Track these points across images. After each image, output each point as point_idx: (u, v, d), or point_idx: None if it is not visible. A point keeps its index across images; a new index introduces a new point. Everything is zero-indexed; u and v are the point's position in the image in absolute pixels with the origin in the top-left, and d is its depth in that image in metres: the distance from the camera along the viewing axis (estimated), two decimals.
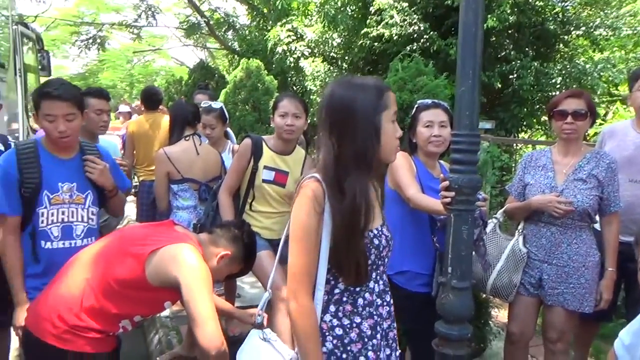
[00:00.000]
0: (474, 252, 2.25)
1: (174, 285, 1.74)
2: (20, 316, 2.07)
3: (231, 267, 1.99)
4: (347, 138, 1.43)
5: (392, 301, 1.67)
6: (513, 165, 5.29)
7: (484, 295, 3.01)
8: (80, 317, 1.76)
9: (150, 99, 4.79)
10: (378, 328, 1.54)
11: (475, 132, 1.79)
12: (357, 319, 1.50)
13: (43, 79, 6.91)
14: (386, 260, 1.61)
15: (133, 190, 4.84)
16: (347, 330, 1.48)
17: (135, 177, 4.87)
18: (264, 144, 2.75)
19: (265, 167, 2.70)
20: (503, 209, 2.60)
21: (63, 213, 2.17)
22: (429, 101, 2.50)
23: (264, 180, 2.69)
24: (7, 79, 4.96)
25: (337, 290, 1.49)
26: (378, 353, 1.53)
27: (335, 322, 1.48)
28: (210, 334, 1.66)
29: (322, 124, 1.49)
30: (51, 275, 2.12)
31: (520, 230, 2.50)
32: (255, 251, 2.10)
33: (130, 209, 5.67)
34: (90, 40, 14.38)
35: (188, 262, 1.76)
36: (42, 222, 2.15)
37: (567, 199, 2.37)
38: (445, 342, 1.82)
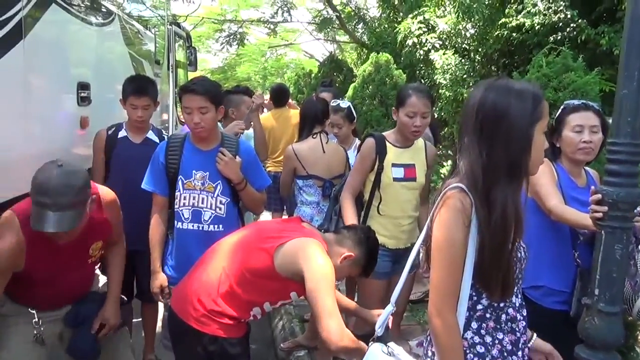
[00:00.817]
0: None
1: (300, 276, 1.82)
2: (155, 283, 2.44)
3: (351, 269, 2.02)
4: (500, 147, 1.34)
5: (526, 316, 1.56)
6: None
7: (630, 318, 2.68)
8: (216, 302, 1.91)
9: (279, 97, 5.06)
10: (519, 344, 1.47)
11: (638, 140, 1.58)
12: (500, 335, 1.44)
13: (190, 74, 7.59)
14: (524, 272, 1.51)
15: None
16: (489, 347, 1.42)
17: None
18: (386, 141, 2.65)
19: (394, 165, 2.60)
20: None
21: (194, 198, 2.40)
22: (579, 102, 2.26)
23: (395, 179, 2.59)
24: (162, 74, 5.53)
25: (480, 307, 1.43)
26: None
27: (477, 339, 1.42)
28: (331, 328, 1.71)
29: (469, 128, 1.39)
30: (183, 253, 2.41)
31: None
32: (377, 258, 2.10)
33: None
34: (232, 37, 15.41)
35: (314, 256, 1.83)
36: (176, 204, 2.41)
37: None
38: None
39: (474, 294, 1.40)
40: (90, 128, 3.08)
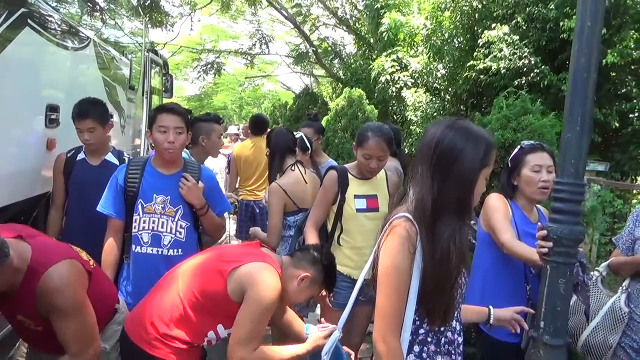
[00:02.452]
0: (577, 297, 2.10)
1: None
2: None
3: (312, 289, 2.04)
4: (451, 184, 1.41)
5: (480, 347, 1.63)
6: (627, 212, 4.83)
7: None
8: (169, 326, 1.89)
9: (257, 125, 5.06)
10: None
11: (581, 181, 1.69)
12: (439, 358, 1.48)
13: (166, 100, 7.61)
14: (464, 297, 1.59)
15: (234, 209, 5.15)
16: None
17: (236, 197, 5.15)
18: (349, 173, 2.70)
19: (356, 196, 2.64)
20: (607, 262, 2.38)
21: (154, 222, 2.40)
22: (536, 143, 2.38)
23: (357, 210, 2.62)
24: (136, 100, 5.53)
25: (422, 331, 1.47)
26: None
27: None
28: (236, 353, 1.79)
29: (423, 160, 1.46)
30: (141, 277, 2.38)
31: (625, 288, 2.27)
32: (335, 272, 2.12)
33: (231, 226, 5.98)
34: (209, 66, 15.56)
35: (261, 283, 1.84)
36: (135, 227, 2.41)
37: None
38: None
39: (417, 318, 1.46)
40: (57, 150, 3.06)
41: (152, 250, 2.40)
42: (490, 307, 1.85)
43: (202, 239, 2.64)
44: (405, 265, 1.40)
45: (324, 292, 2.21)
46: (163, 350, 1.88)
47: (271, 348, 1.96)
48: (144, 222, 2.40)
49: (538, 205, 2.42)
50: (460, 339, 1.55)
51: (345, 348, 2.00)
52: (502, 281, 2.26)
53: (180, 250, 2.42)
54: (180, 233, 2.43)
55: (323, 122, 6.98)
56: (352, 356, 1.97)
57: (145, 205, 2.40)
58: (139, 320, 1.97)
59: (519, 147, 2.40)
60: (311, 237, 2.62)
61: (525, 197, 2.33)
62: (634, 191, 5.80)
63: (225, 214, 4.68)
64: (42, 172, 3.05)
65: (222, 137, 3.44)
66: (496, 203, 2.27)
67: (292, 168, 3.03)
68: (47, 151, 3.05)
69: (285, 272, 1.99)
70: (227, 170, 5.13)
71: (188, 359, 1.93)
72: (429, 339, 1.47)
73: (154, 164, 2.48)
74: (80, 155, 2.95)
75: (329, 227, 2.69)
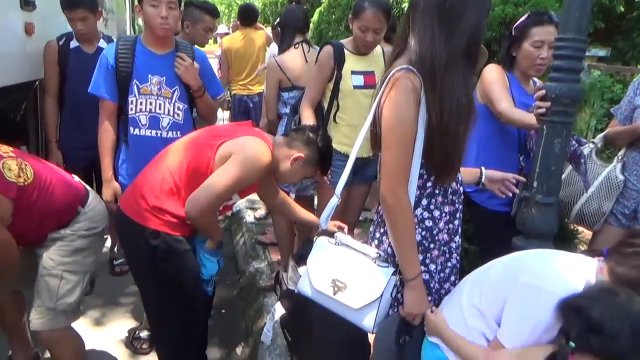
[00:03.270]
0: (573, 168, 2.13)
1: None
2: (107, 192, 2.42)
3: (305, 170, 2.01)
4: (461, 34, 1.33)
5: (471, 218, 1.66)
6: None
7: (572, 226, 2.88)
8: (159, 199, 1.89)
9: (246, 15, 4.85)
10: (457, 214, 1.55)
11: (583, 37, 1.62)
12: (446, 208, 1.50)
13: None
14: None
15: (228, 105, 5.06)
16: (437, 221, 1.48)
17: (229, 92, 5.05)
18: (345, 49, 2.58)
19: (353, 73, 2.55)
20: (603, 133, 2.37)
21: (151, 104, 2.34)
22: (544, 13, 2.22)
23: (355, 87, 2.55)
24: None
25: (429, 184, 1.47)
26: (456, 237, 1.55)
27: (426, 214, 1.48)
28: (198, 200, 1.78)
29: (429, 10, 1.36)
30: (139, 160, 2.34)
31: (620, 157, 2.29)
32: (331, 154, 2.07)
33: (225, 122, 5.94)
34: None
35: (248, 149, 1.82)
36: (132, 109, 2.34)
37: None
38: None
39: (423, 172, 1.45)
40: (37, 36, 2.92)
41: (150, 132, 2.36)
42: (482, 167, 1.85)
43: (195, 124, 2.61)
44: (411, 118, 1.35)
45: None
46: (154, 221, 1.89)
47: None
48: (141, 103, 2.33)
49: (535, 78, 2.37)
50: (461, 189, 1.56)
51: (337, 223, 2.03)
52: (497, 152, 2.26)
53: (178, 132, 2.38)
54: (178, 115, 2.38)
55: (315, 15, 6.68)
56: (346, 229, 1.99)
57: (140, 86, 2.32)
58: (131, 194, 1.98)
59: (526, 15, 2.27)
60: (307, 116, 2.58)
61: (521, 71, 2.28)
62: (634, 77, 5.69)
63: (220, 111, 4.62)
64: (25, 59, 2.93)
65: (210, 31, 3.23)
66: (494, 74, 2.22)
67: (296, 46, 3.03)
68: (27, 36, 2.90)
69: (279, 151, 1.95)
70: (219, 70, 4.96)
71: (181, 231, 1.93)
72: (437, 191, 1.47)
73: (145, 43, 2.36)
74: (74, 43, 2.87)
75: (325, 106, 2.63)
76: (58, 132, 3.04)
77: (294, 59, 3.02)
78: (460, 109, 1.37)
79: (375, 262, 1.45)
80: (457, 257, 1.60)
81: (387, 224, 1.44)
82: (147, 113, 2.35)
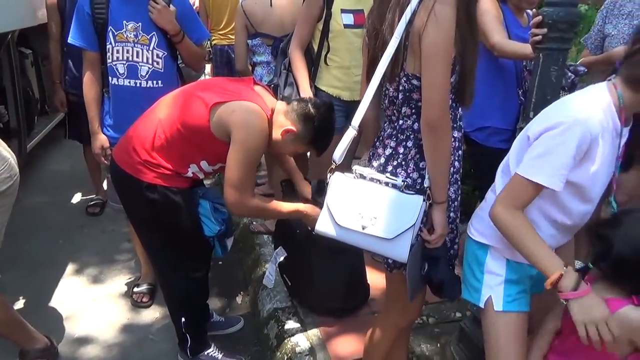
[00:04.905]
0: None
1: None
2: (95, 145, 2.39)
3: (296, 146, 1.90)
4: None
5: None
6: None
7: None
8: (151, 154, 1.86)
9: None
10: (461, 145, 1.54)
11: None
12: (455, 133, 1.47)
13: None
14: None
15: (208, 56, 4.90)
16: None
17: (209, 42, 4.88)
18: None
19: (343, 11, 2.43)
20: (577, 63, 2.33)
21: (128, 52, 2.25)
22: None
23: (345, 26, 2.43)
24: None
25: None
26: (461, 163, 1.54)
27: None
28: (229, 198, 1.80)
29: None
30: (121, 111, 2.31)
31: None
32: (329, 137, 1.91)
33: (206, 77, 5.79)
34: None
35: (246, 122, 1.75)
36: (109, 58, 2.26)
37: None
38: None
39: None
40: None
41: (129, 82, 2.28)
42: None
43: (182, 73, 2.52)
44: (453, 34, 1.31)
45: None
46: (148, 174, 1.87)
47: (269, 200, 1.94)
48: (118, 51, 2.24)
49: (529, 11, 2.31)
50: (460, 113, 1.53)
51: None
52: (495, 88, 2.23)
53: (159, 82, 2.30)
54: (157, 63, 2.29)
55: None
56: None
57: (116, 33, 2.22)
58: (124, 147, 1.94)
59: None
60: (297, 59, 2.48)
61: (514, 3, 2.23)
62: None
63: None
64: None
65: None
66: (486, 5, 2.15)
67: None
68: None
69: (275, 118, 1.86)
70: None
71: (177, 183, 1.91)
72: (450, 115, 1.43)
73: None
74: None
75: (315, 47, 2.52)
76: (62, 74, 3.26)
77: (259, 3, 2.91)
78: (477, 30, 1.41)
79: (402, 191, 1.43)
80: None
81: (430, 146, 1.38)
82: (124, 62, 2.26)
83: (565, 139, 1.19)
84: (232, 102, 1.78)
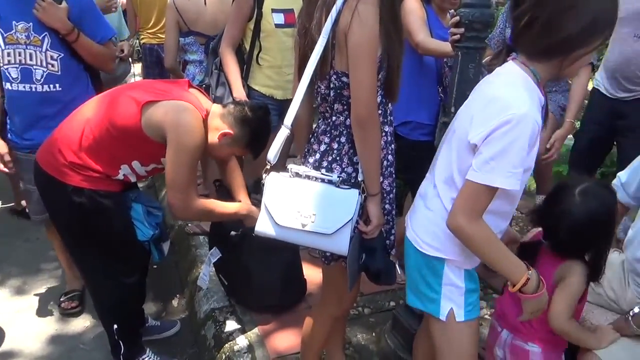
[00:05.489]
0: None
1: (166, 141, 1.73)
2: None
3: (232, 149, 1.89)
4: None
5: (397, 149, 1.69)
6: None
7: None
8: (78, 156, 1.79)
9: None
10: (393, 139, 1.60)
11: None
12: (386, 128, 1.53)
13: None
14: None
15: (138, 55, 4.76)
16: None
17: (138, 42, 4.74)
18: None
19: (274, 11, 2.45)
20: (484, 60, 2.49)
21: (20, 54, 2.11)
22: None
23: (277, 25, 2.45)
24: None
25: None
26: (394, 157, 1.60)
27: None
28: (172, 201, 1.75)
29: None
30: (18, 118, 2.21)
31: None
32: (266, 140, 1.90)
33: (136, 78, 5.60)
34: None
35: (181, 121, 1.70)
36: (1, 62, 2.13)
37: None
38: None
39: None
40: None
41: (24, 87, 2.14)
42: None
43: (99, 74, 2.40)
44: (377, 32, 1.36)
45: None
46: (75, 177, 1.79)
47: (213, 201, 1.92)
48: (9, 55, 2.10)
49: (452, 11, 2.43)
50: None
51: None
52: (417, 85, 2.33)
53: (58, 85, 2.16)
54: (52, 65, 2.14)
55: None
56: None
57: (5, 35, 2.08)
58: (48, 149, 1.85)
59: None
60: (228, 58, 2.46)
61: (437, 4, 2.33)
62: None
63: (131, 68, 4.31)
64: None
65: None
66: (411, 5, 2.25)
67: None
68: None
69: (211, 121, 1.83)
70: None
71: (106, 186, 1.85)
72: (380, 111, 1.49)
73: None
74: None
75: (247, 47, 2.52)
76: None
77: (192, 0, 2.88)
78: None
79: (338, 186, 1.46)
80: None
81: (361, 141, 1.43)
82: (17, 65, 2.12)
83: (518, 135, 1.12)
84: (165, 101, 1.75)
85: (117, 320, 2.06)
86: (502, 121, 1.12)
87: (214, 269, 2.34)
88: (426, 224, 1.36)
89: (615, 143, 2.68)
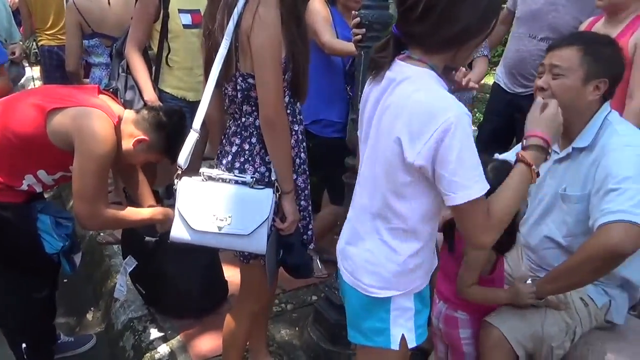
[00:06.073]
0: None
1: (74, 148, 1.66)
2: None
3: (148, 155, 1.86)
4: None
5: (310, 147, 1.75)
6: None
7: None
8: None
9: None
10: (303, 137, 1.64)
11: None
12: (296, 127, 1.56)
13: None
14: None
15: (36, 58, 4.46)
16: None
17: (35, 43, 4.45)
18: None
19: (180, 11, 2.40)
20: None
21: None
22: None
23: (185, 26, 2.40)
24: None
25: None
26: (306, 154, 1.64)
27: None
28: (78, 211, 1.70)
29: None
30: None
31: None
32: (181, 143, 1.82)
33: (36, 82, 5.25)
34: None
35: (90, 128, 1.64)
36: None
37: None
38: (354, 174, 1.95)
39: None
40: None
41: None
42: None
43: None
44: (280, 33, 1.38)
45: None
46: None
47: (126, 208, 1.86)
48: None
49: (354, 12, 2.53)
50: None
51: None
52: (325, 84, 2.41)
53: None
54: None
55: None
56: None
57: None
58: None
59: None
60: (135, 61, 2.38)
61: (342, 4, 2.42)
62: None
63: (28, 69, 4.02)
64: None
65: None
66: (316, 6, 2.32)
67: None
68: None
69: (124, 128, 1.78)
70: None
71: (5, 197, 1.74)
72: (288, 111, 1.52)
73: None
74: None
75: (155, 48, 2.46)
76: None
77: (94, 1, 2.78)
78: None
79: (252, 187, 1.48)
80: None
81: (271, 141, 1.46)
82: None
83: (462, 137, 1.01)
84: (72, 108, 1.68)
85: (25, 339, 1.96)
86: (441, 131, 1.00)
87: (129, 278, 2.27)
88: (367, 267, 1.21)
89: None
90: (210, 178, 1.50)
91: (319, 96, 2.41)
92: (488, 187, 1.05)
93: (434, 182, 1.07)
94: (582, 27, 2.41)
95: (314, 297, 2.49)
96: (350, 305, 1.29)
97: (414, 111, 1.04)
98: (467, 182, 1.02)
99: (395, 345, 1.21)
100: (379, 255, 1.18)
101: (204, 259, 2.26)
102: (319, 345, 2.08)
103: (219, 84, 1.49)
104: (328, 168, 2.47)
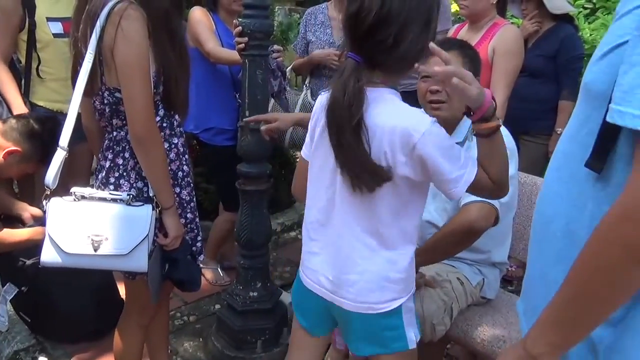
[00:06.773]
0: (278, 104, 2.40)
1: None
2: None
3: (24, 166, 1.76)
4: None
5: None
6: None
7: (291, 152, 3.30)
8: None
9: None
10: (184, 149, 1.61)
11: None
12: (175, 140, 1.53)
13: None
14: None
15: None
16: (168, 152, 1.50)
17: None
18: None
19: (49, 20, 2.25)
20: (290, 66, 2.73)
21: None
22: None
23: (55, 35, 2.26)
24: None
25: (157, 118, 1.46)
26: (189, 166, 1.62)
27: (165, 145, 1.50)
28: None
29: None
30: None
31: (307, 85, 2.67)
32: (52, 152, 1.75)
33: None
34: None
35: None
36: None
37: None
38: (247, 180, 1.99)
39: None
40: None
41: None
42: None
43: None
44: (146, 48, 1.34)
45: None
46: None
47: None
48: None
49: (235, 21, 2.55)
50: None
51: None
52: (214, 92, 2.41)
53: None
54: None
55: None
56: None
57: None
58: None
59: None
60: (2, 74, 2.20)
61: (225, 11, 2.42)
62: None
63: None
64: None
65: None
66: (198, 15, 2.32)
67: None
68: None
69: None
70: None
71: None
72: (165, 124, 1.49)
73: None
74: None
75: (22, 59, 2.29)
76: None
77: None
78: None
79: (129, 204, 1.42)
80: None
81: (143, 158, 1.41)
82: None
83: (439, 141, 1.07)
84: None
85: None
86: (418, 137, 1.05)
87: (11, 307, 2.10)
88: (371, 287, 1.20)
89: None
90: (83, 197, 1.44)
91: (208, 104, 2.41)
92: (476, 166, 1.11)
93: (421, 184, 1.15)
94: (450, 34, 2.64)
95: (217, 306, 2.48)
96: (355, 329, 1.27)
97: (392, 132, 1.07)
98: (459, 172, 1.08)
99: (412, 345, 1.25)
100: (384, 267, 1.19)
101: (95, 278, 2.15)
102: (223, 354, 2.08)
103: (89, 94, 1.44)
104: (221, 175, 2.47)
